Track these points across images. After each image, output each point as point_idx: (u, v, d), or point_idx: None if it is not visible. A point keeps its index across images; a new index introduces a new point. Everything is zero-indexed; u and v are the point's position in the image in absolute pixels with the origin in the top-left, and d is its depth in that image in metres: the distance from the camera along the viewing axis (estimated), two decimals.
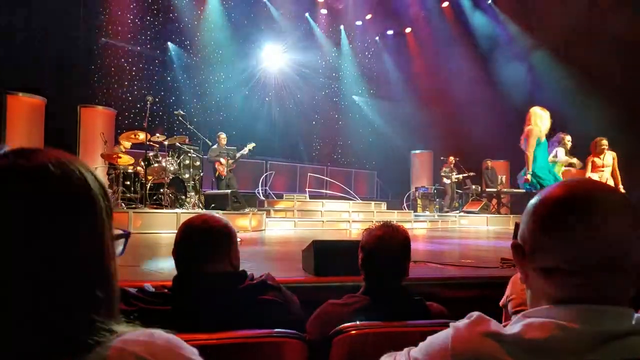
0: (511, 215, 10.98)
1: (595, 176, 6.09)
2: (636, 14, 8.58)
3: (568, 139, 6.57)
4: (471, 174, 11.70)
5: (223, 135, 8.81)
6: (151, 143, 7.37)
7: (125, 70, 11.12)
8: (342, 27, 14.68)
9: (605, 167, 6.29)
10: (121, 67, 11.05)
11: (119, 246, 0.62)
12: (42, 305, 0.50)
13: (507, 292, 1.64)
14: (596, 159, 6.35)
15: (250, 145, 8.70)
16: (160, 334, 0.56)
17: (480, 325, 0.67)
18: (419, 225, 9.60)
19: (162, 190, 6.89)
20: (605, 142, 6.37)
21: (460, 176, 11.60)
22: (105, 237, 0.57)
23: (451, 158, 11.64)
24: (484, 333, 0.66)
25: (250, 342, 1.18)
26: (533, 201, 0.75)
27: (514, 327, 0.67)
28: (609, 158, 6.34)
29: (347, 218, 9.10)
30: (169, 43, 11.94)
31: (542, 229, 0.71)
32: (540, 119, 4.97)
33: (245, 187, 10.47)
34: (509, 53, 12.22)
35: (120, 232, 0.62)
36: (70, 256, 0.52)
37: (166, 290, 1.36)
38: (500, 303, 1.66)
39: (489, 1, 13.07)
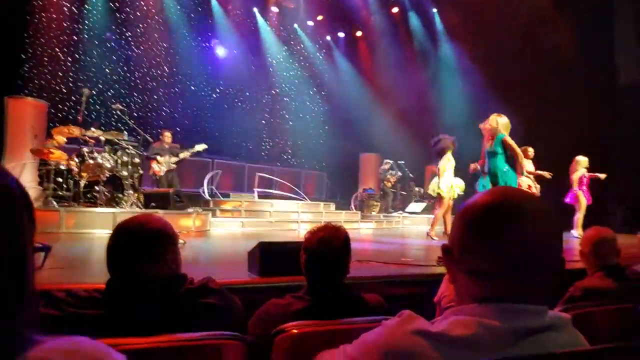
0: (452, 217, 11.50)
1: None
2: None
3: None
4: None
5: (167, 134, 8.35)
6: (86, 138, 6.92)
7: (59, 60, 10.38)
8: (296, 25, 14.60)
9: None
10: (55, 57, 10.30)
11: (38, 259, 0.60)
12: None
13: (441, 289, 1.73)
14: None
15: (201, 147, 8.19)
16: (84, 342, 0.53)
17: (409, 323, 0.71)
18: (365, 226, 9.81)
19: (97, 187, 6.52)
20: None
21: (400, 174, 12.08)
22: (27, 245, 0.54)
23: (387, 161, 12.17)
24: (413, 330, 0.69)
25: (188, 345, 1.15)
26: (463, 207, 0.79)
27: (441, 324, 0.70)
28: None
29: (296, 218, 9.10)
30: (108, 33, 11.30)
31: (470, 234, 0.76)
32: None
33: (189, 186, 10.12)
34: (450, 63, 12.80)
35: (39, 245, 0.60)
36: None
37: (97, 294, 1.30)
38: (435, 299, 1.75)
39: (434, 9, 13.60)
